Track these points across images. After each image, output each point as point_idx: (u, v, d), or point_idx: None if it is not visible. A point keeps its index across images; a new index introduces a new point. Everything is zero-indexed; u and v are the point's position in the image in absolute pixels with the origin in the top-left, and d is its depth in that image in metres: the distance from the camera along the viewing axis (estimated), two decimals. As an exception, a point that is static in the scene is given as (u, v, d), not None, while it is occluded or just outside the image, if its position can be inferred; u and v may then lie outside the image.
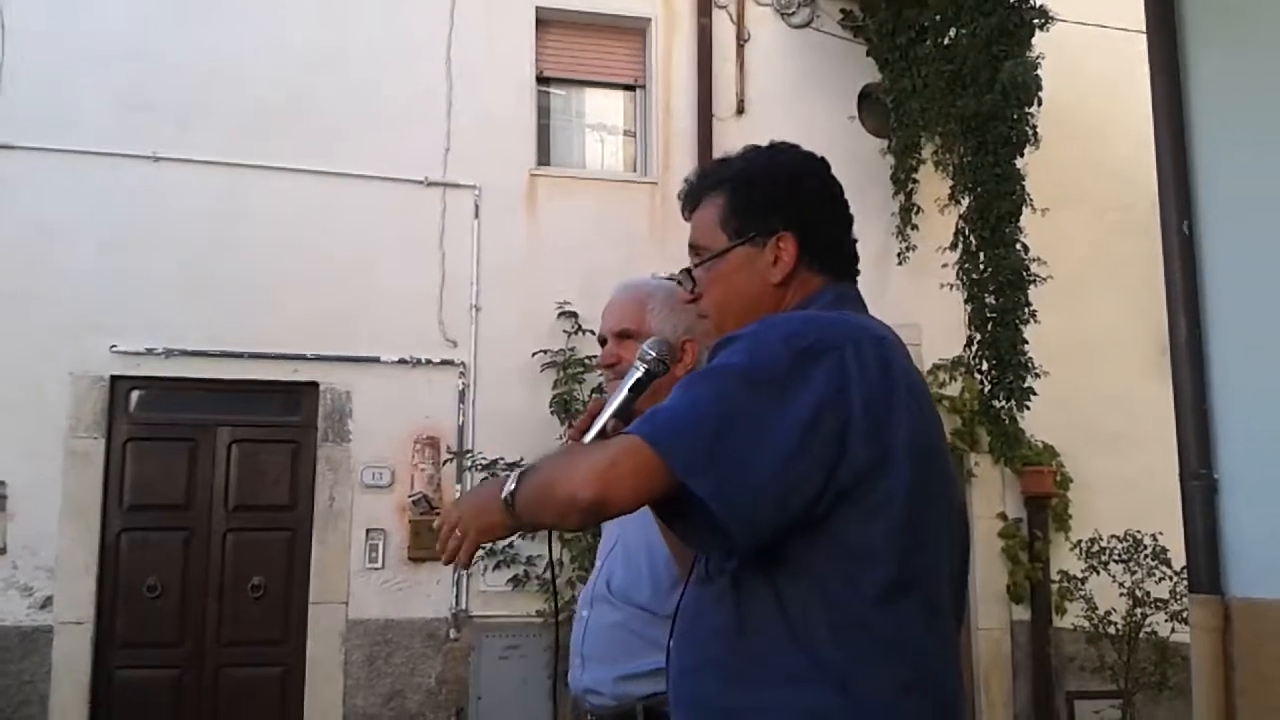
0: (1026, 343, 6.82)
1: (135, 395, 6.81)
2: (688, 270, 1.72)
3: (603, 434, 1.67)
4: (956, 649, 1.53)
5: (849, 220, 1.75)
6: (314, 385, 6.97)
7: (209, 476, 6.83)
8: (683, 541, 1.59)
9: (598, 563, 2.33)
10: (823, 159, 1.75)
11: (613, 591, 2.17)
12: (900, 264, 7.46)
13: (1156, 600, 6.66)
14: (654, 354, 1.74)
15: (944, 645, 1.48)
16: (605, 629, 2.14)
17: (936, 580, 1.48)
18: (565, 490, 1.39)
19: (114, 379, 6.68)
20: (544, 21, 7.81)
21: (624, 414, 1.68)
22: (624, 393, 1.71)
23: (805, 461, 1.36)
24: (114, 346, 6.64)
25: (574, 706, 6.83)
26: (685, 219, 1.77)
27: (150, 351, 6.70)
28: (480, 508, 1.56)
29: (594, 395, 6.94)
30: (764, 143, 1.78)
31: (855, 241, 1.75)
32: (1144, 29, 3.97)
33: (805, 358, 1.41)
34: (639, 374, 1.72)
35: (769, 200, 1.66)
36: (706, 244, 1.70)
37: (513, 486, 1.48)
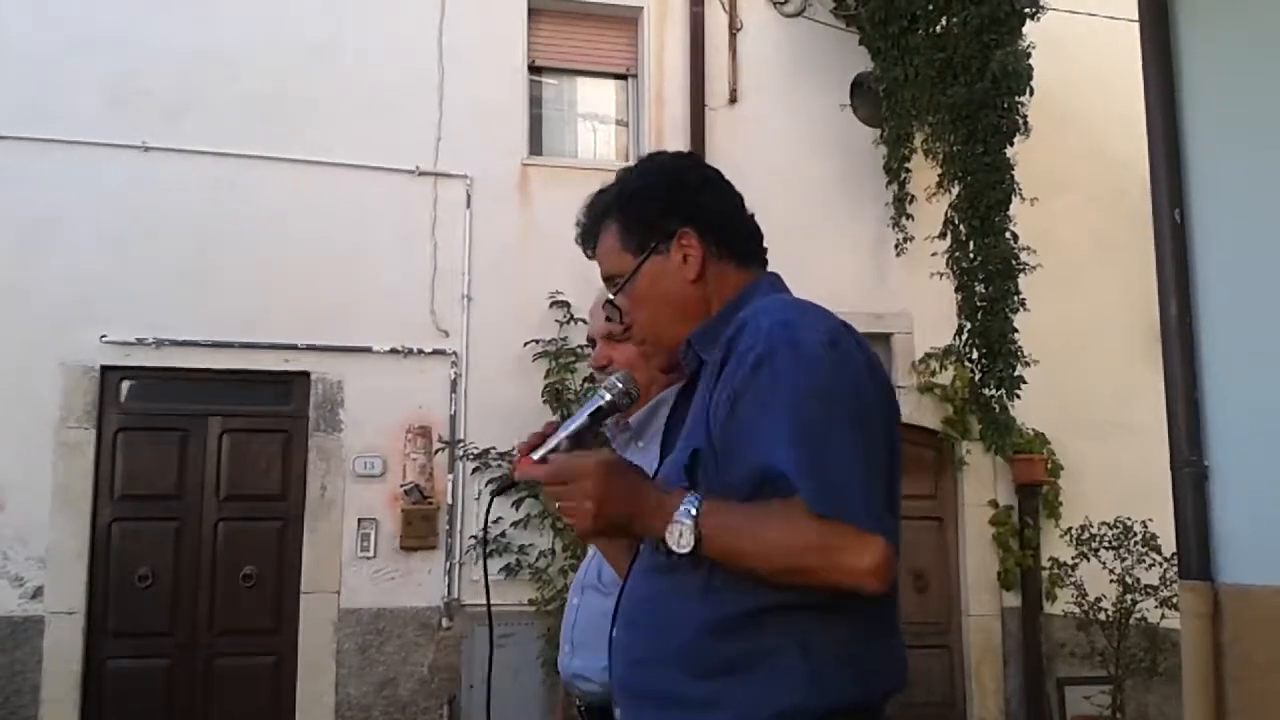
0: (1016, 331, 6.83)
1: (126, 385, 6.79)
2: (610, 302, 1.73)
3: (559, 453, 1.63)
4: None
5: (739, 200, 1.75)
6: (305, 375, 6.96)
7: (200, 466, 6.82)
8: None
9: (589, 552, 2.34)
10: (693, 154, 1.80)
11: (603, 581, 2.18)
12: (899, 254, 7.43)
13: (1146, 587, 6.70)
14: (621, 386, 1.73)
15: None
16: (595, 617, 2.14)
17: None
18: (848, 573, 1.37)
19: (105, 369, 6.66)
20: (536, 10, 7.79)
21: (579, 438, 1.66)
22: (583, 418, 1.69)
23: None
24: (104, 336, 6.62)
25: (566, 692, 6.84)
26: (590, 258, 1.78)
27: (141, 341, 6.68)
28: (635, 503, 1.46)
29: (585, 385, 6.95)
30: (657, 152, 1.83)
31: (753, 217, 1.76)
32: (1136, 17, 3.97)
33: (870, 379, 1.50)
34: (601, 403, 1.71)
35: (656, 206, 1.68)
36: (618, 270, 1.70)
37: (693, 523, 1.40)
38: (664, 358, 1.74)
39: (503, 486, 1.70)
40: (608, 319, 1.77)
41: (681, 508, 1.41)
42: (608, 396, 1.71)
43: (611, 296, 1.73)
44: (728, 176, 1.78)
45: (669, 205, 1.68)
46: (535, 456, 1.62)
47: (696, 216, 1.66)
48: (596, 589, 2.21)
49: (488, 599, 2.01)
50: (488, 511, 1.99)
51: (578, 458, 1.51)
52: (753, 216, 1.76)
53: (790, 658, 1.42)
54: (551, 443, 1.64)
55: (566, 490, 1.46)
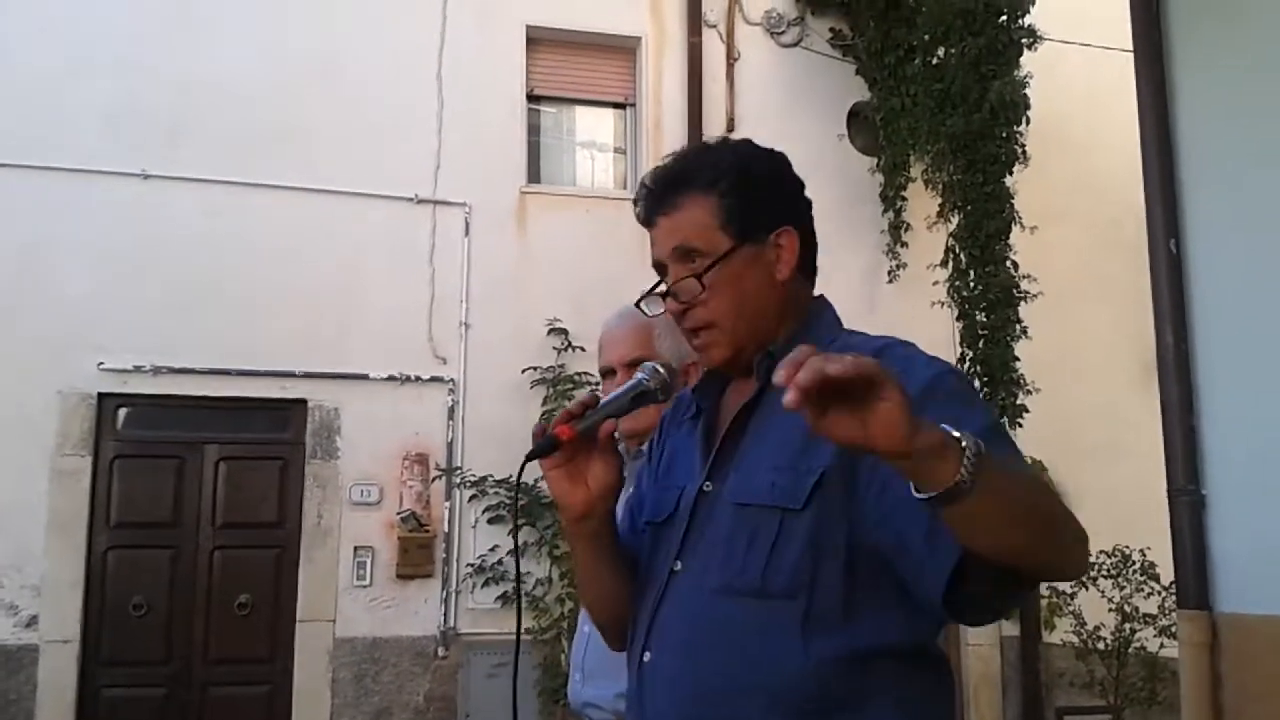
0: (1018, 359, 6.84)
1: (123, 413, 6.78)
2: (695, 276, 1.52)
3: (591, 432, 1.51)
4: None
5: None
6: (302, 402, 6.96)
7: (196, 494, 6.80)
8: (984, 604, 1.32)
9: None
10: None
11: None
12: (890, 282, 7.48)
13: (1145, 615, 6.68)
14: (662, 372, 1.59)
15: None
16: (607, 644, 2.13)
17: None
18: (1080, 563, 1.30)
19: (101, 396, 6.66)
20: (534, 40, 7.84)
21: (616, 417, 1.55)
22: (625, 399, 1.57)
23: None
24: (101, 364, 6.62)
25: (564, 722, 6.78)
26: (644, 221, 1.60)
27: (138, 369, 6.68)
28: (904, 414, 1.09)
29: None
30: (750, 141, 1.65)
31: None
32: (1131, 48, 4.00)
33: None
34: (643, 387, 1.58)
35: (774, 195, 1.57)
36: (703, 246, 1.52)
37: (975, 457, 1.10)
38: (724, 350, 1.55)
39: (538, 451, 1.50)
40: (663, 296, 1.58)
41: (954, 433, 1.12)
42: (652, 384, 1.58)
43: (693, 272, 1.53)
44: None
45: (785, 199, 1.58)
46: (580, 428, 1.49)
47: (800, 220, 1.58)
48: None
49: (517, 567, 1.87)
50: (520, 475, 1.61)
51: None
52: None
53: (884, 708, 1.36)
54: (593, 417, 1.51)
55: (880, 385, 1.08)
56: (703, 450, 1.57)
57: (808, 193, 1.65)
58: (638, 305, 1.66)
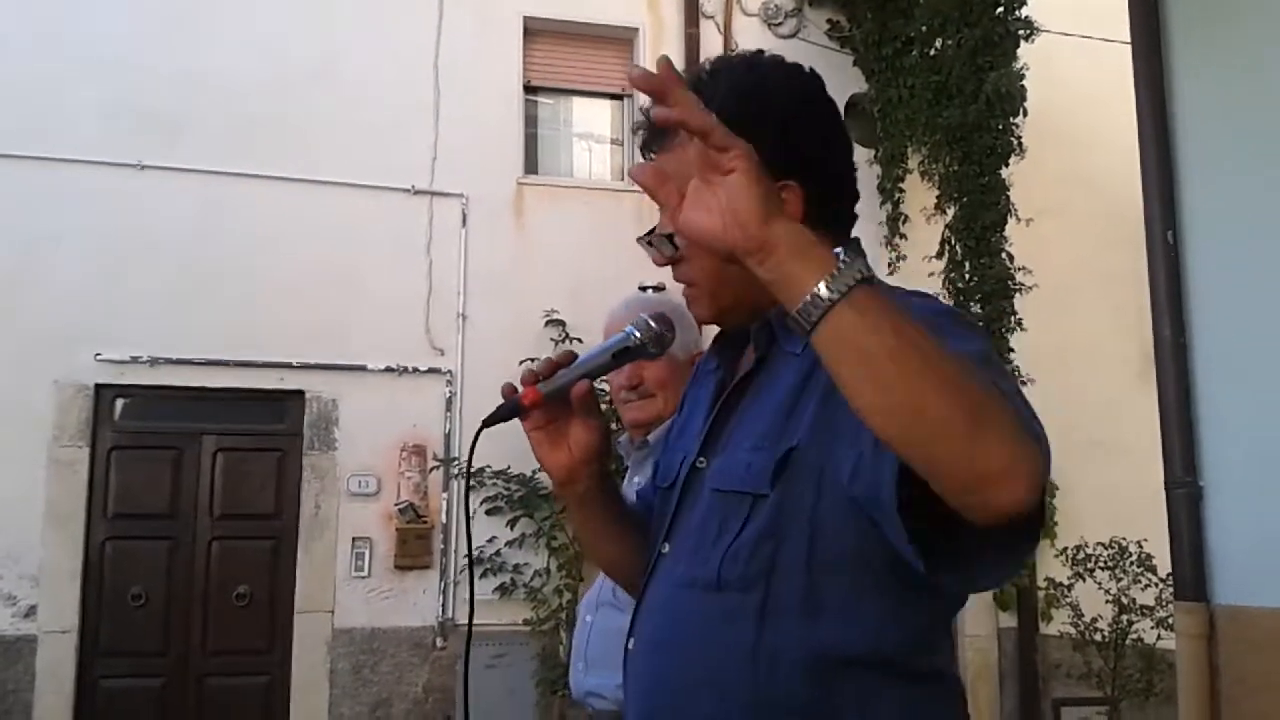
0: (1013, 351, 6.84)
1: (120, 404, 6.78)
2: (668, 235, 1.35)
3: (563, 391, 1.37)
4: None
5: (851, 152, 1.45)
6: (300, 393, 6.95)
7: (194, 485, 6.80)
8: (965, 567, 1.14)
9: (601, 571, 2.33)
10: (814, 74, 1.42)
11: (618, 597, 2.16)
12: (890, 274, 7.49)
13: (1142, 607, 6.69)
14: (655, 327, 1.41)
15: None
16: (610, 634, 2.13)
17: None
18: (983, 462, 0.99)
19: (99, 387, 6.65)
20: (532, 31, 7.82)
21: (595, 378, 1.41)
22: (606, 356, 1.41)
23: None
24: (99, 355, 6.61)
25: (560, 713, 6.80)
26: (647, 156, 1.39)
27: (135, 360, 6.67)
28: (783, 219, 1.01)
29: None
30: (781, 60, 1.41)
31: (855, 176, 1.47)
32: (1129, 40, 4.00)
33: None
34: (630, 342, 1.41)
35: (771, 142, 1.23)
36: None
37: (848, 268, 0.98)
38: (705, 311, 1.41)
39: (498, 416, 1.39)
40: (649, 244, 1.40)
41: (842, 257, 1.00)
42: (637, 335, 1.40)
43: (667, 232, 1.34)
44: None
45: (786, 146, 1.30)
46: (546, 390, 1.37)
47: (807, 170, 1.33)
48: (612, 605, 2.20)
49: (470, 548, 1.74)
50: (472, 447, 1.45)
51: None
52: (855, 174, 1.45)
53: (849, 715, 1.20)
54: (566, 377, 1.37)
55: (726, 149, 0.98)
56: (705, 417, 1.43)
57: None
58: (641, 241, 1.44)
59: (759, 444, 1.28)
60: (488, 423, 1.40)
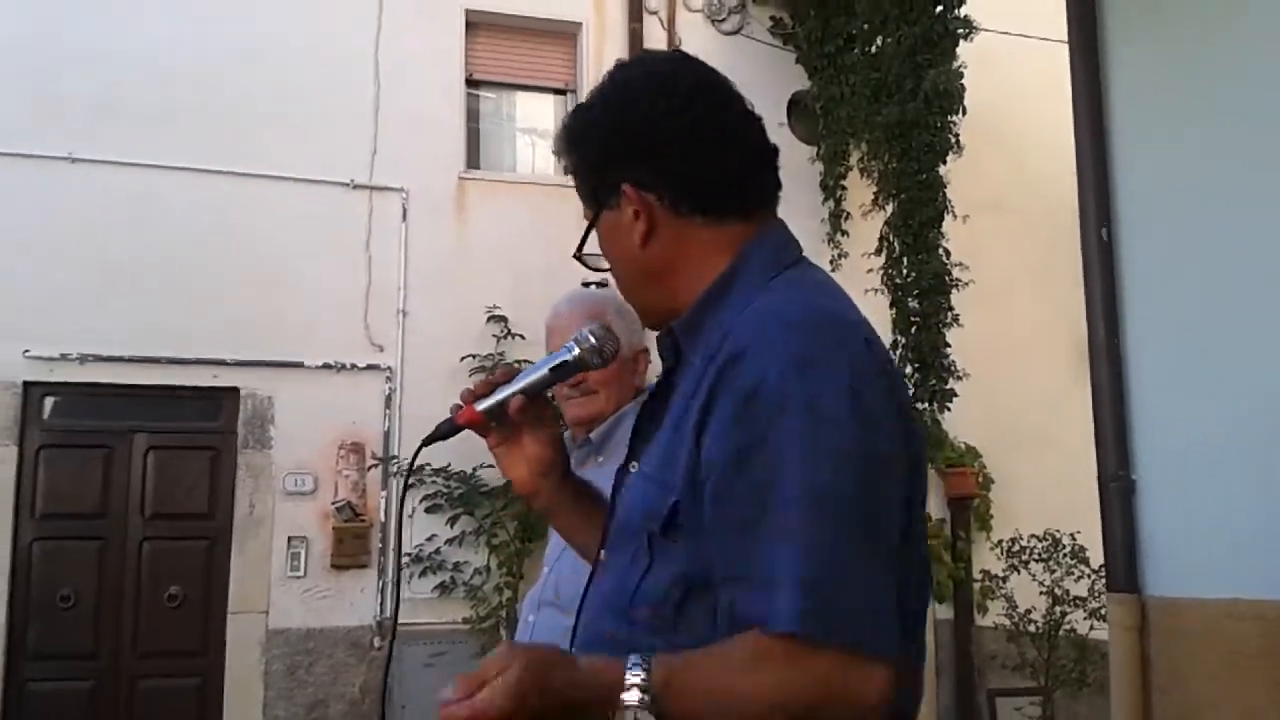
0: (949, 345, 6.92)
1: (49, 401, 6.61)
2: (576, 250, 1.41)
3: (501, 407, 1.39)
4: None
5: (741, 125, 1.37)
6: (234, 390, 6.83)
7: (125, 484, 6.66)
8: None
9: (544, 568, 2.30)
10: (682, 59, 1.41)
11: (561, 598, 2.13)
12: (833, 270, 7.52)
13: (1075, 598, 6.79)
14: (594, 341, 1.42)
15: None
16: (553, 635, 2.10)
17: None
18: (855, 709, 1.07)
19: (27, 385, 6.49)
20: (474, 24, 7.76)
21: (534, 394, 1.41)
22: (543, 371, 1.42)
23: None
24: (27, 351, 6.44)
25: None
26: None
27: (64, 357, 6.51)
28: (548, 674, 1.07)
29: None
30: (639, 59, 1.48)
31: (765, 148, 1.39)
32: (1066, 39, 4.05)
33: (898, 436, 1.20)
34: (569, 357, 1.42)
35: (597, 148, 1.32)
36: (587, 216, 1.36)
37: (646, 686, 1.06)
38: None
39: (437, 434, 1.42)
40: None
41: (628, 677, 1.06)
42: (576, 350, 1.42)
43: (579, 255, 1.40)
44: None
45: (611, 149, 1.31)
46: (481, 407, 1.39)
47: (649, 164, 1.28)
48: (554, 605, 2.16)
49: (398, 550, 1.77)
50: (411, 464, 1.57)
51: (493, 657, 1.08)
52: (764, 147, 1.38)
53: None
54: (503, 393, 1.39)
55: (478, 680, 1.06)
56: (630, 444, 1.40)
57: None
58: (583, 275, 1.50)
59: (654, 474, 1.26)
60: (427, 441, 1.45)
